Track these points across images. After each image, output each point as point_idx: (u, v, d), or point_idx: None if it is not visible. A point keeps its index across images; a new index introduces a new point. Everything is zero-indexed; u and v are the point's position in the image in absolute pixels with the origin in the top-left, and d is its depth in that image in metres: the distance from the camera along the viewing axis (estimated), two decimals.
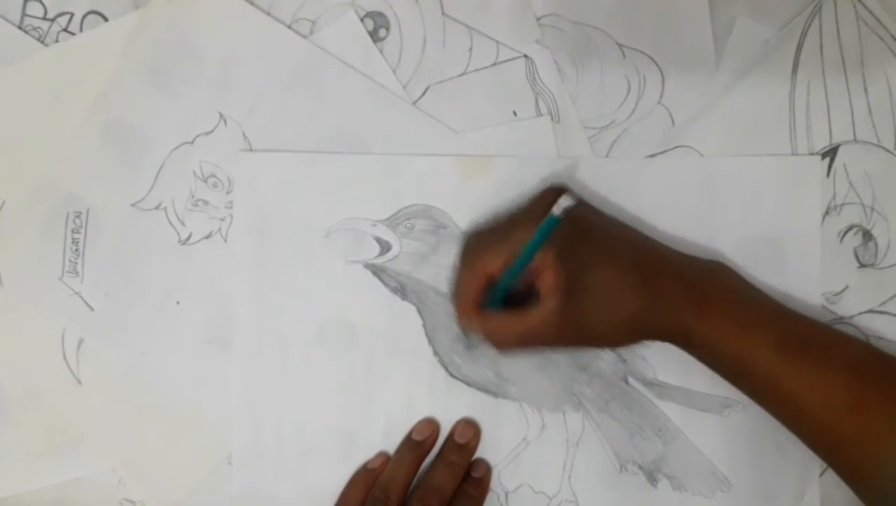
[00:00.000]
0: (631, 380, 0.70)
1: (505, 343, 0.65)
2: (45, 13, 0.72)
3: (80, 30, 0.72)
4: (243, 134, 0.71)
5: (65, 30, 0.72)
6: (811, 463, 0.69)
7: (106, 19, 0.72)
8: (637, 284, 0.62)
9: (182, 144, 0.71)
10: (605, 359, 0.71)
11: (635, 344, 0.64)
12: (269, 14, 0.71)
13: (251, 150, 0.71)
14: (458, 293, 0.68)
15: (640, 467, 0.70)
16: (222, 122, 0.71)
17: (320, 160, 0.71)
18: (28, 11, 0.72)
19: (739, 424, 0.70)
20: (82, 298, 0.71)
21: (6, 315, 0.72)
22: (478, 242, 0.68)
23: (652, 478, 0.70)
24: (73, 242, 0.71)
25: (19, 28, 0.72)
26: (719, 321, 0.62)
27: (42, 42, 0.72)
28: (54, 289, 0.71)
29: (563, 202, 0.61)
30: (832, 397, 0.60)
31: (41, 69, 0.72)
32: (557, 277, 0.62)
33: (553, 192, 0.64)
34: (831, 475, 0.68)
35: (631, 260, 0.63)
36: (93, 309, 0.71)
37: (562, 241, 0.62)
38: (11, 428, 0.71)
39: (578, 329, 0.63)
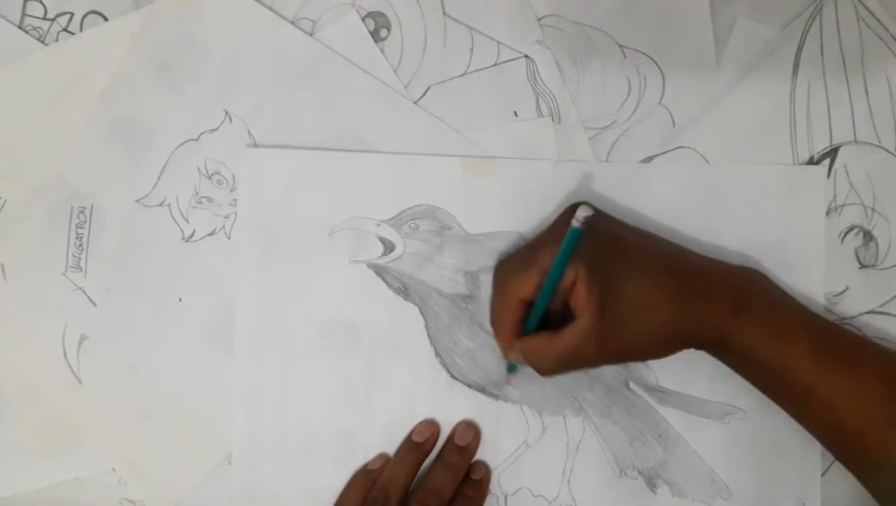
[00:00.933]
0: (632, 385, 0.70)
1: (546, 366, 0.65)
2: (45, 13, 0.72)
3: (80, 30, 0.72)
4: (248, 132, 0.71)
5: (65, 30, 0.72)
6: (812, 471, 0.69)
7: (106, 19, 0.72)
8: (670, 290, 0.62)
9: (187, 141, 0.71)
10: None
11: (674, 354, 0.64)
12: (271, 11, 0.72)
13: (256, 146, 0.71)
14: (496, 323, 0.68)
15: (639, 473, 0.70)
16: (227, 119, 0.71)
17: (325, 158, 0.71)
18: (28, 11, 0.72)
19: (740, 431, 0.70)
20: (85, 293, 0.71)
21: (10, 310, 0.72)
22: (507, 270, 0.68)
23: (651, 484, 0.70)
24: (77, 238, 0.71)
25: (19, 28, 0.72)
26: (755, 327, 0.62)
27: (42, 42, 0.72)
28: (57, 283, 0.71)
29: (581, 213, 0.61)
30: (867, 407, 0.60)
31: (41, 69, 0.72)
32: (590, 291, 0.62)
33: (573, 208, 0.64)
34: (831, 482, 0.69)
35: (661, 267, 0.63)
36: (95, 304, 0.71)
37: (590, 255, 0.62)
38: (11, 428, 0.71)
39: (616, 342, 0.62)
